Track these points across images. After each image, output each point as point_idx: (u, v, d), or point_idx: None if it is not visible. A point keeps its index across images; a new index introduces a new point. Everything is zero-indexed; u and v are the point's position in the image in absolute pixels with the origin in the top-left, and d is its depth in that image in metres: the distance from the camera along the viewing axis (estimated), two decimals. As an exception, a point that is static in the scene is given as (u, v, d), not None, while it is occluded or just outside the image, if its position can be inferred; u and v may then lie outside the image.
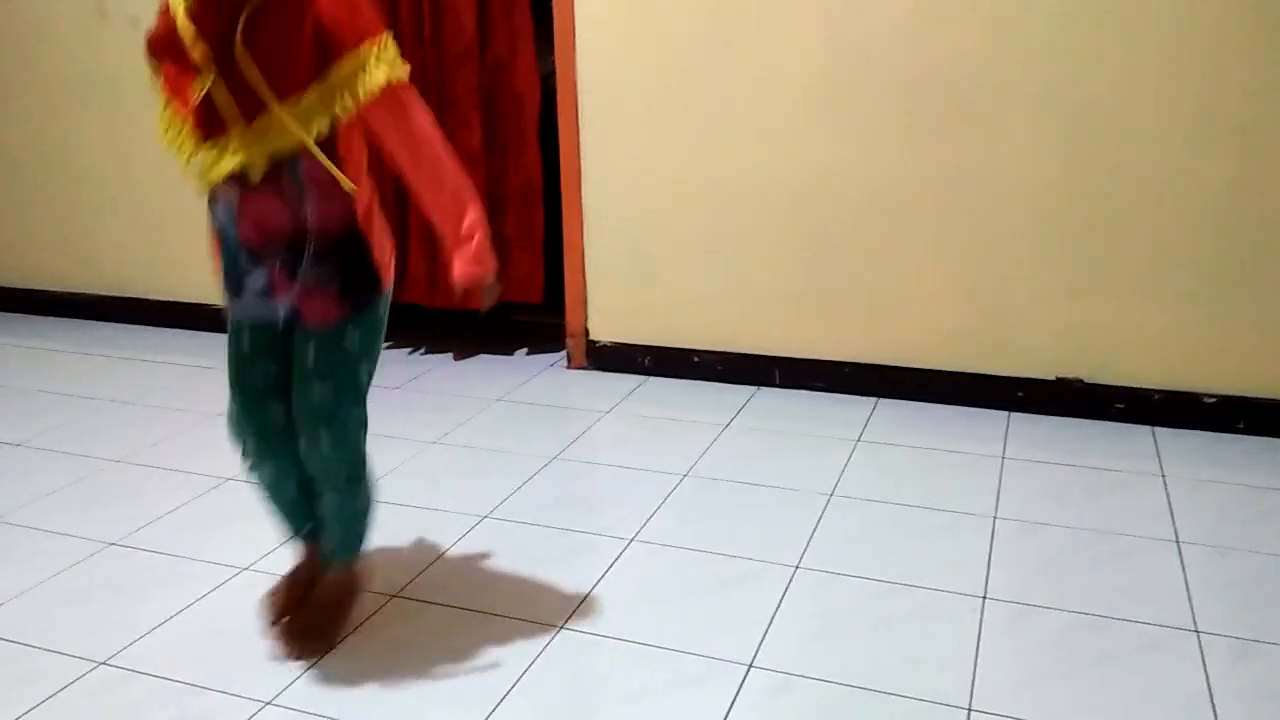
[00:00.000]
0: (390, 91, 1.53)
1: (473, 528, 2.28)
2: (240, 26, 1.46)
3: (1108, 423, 2.76)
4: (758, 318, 3.09)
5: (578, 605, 1.95)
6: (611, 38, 3.03)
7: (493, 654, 1.81)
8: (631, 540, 2.20)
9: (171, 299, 3.88)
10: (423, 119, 1.61)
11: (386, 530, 2.27)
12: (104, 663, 1.80)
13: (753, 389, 3.11)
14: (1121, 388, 2.75)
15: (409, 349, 3.59)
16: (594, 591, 2.00)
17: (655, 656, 1.79)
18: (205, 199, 1.65)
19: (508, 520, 2.31)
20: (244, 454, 1.78)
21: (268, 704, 1.69)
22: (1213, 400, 2.68)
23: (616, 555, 2.14)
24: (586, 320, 3.31)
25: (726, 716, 1.64)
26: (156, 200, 3.74)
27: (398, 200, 3.36)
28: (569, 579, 2.05)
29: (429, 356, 3.51)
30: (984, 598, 1.94)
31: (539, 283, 3.36)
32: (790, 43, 2.83)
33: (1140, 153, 2.60)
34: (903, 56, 2.73)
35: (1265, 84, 2.47)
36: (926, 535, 2.19)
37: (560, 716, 1.66)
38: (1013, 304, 2.80)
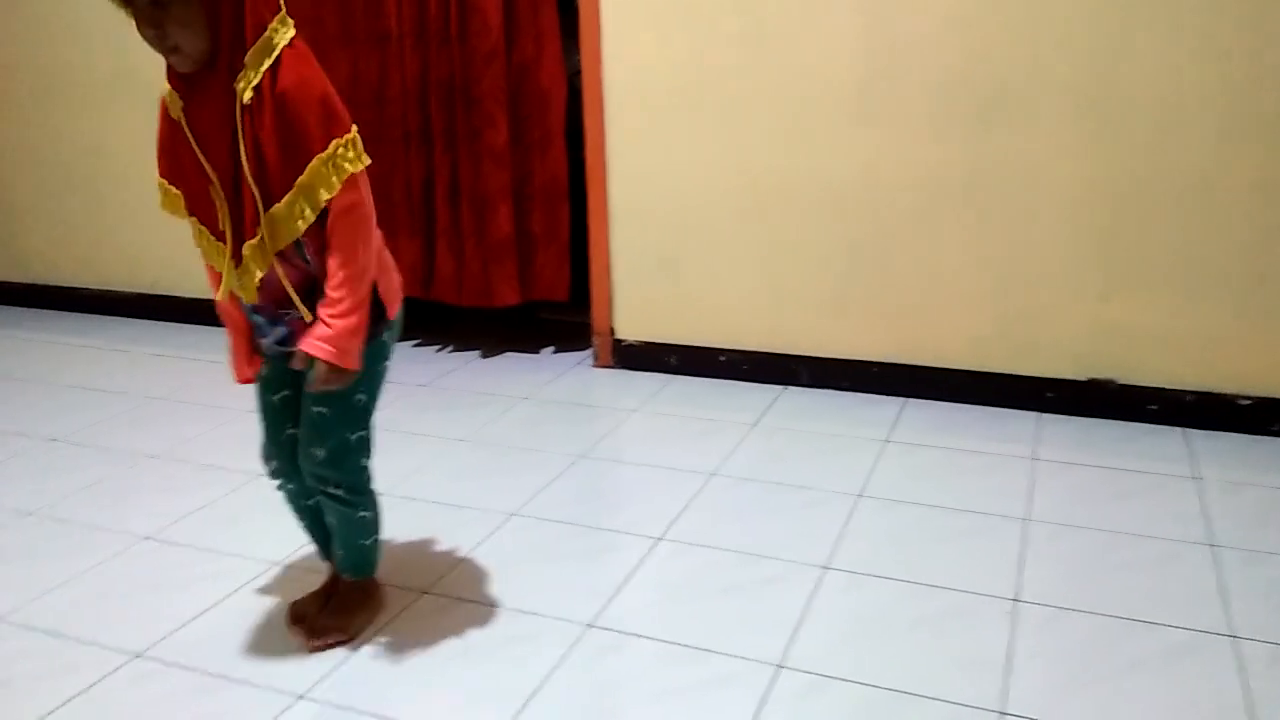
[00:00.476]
0: (342, 199, 1.57)
1: (501, 525, 2.28)
2: (243, 142, 1.51)
3: (1140, 424, 2.73)
4: (785, 317, 3.08)
5: (606, 604, 1.96)
6: (638, 35, 3.03)
7: (520, 651, 1.81)
8: (659, 539, 2.20)
9: (208, 296, 3.91)
10: (360, 230, 1.62)
11: (415, 527, 2.28)
12: (139, 655, 1.83)
13: (779, 388, 3.10)
14: (1154, 389, 2.72)
15: (436, 346, 3.60)
16: (622, 590, 2.01)
17: (684, 656, 1.79)
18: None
19: (535, 518, 2.32)
20: (270, 474, 1.87)
21: (300, 698, 1.70)
22: (1247, 402, 2.64)
23: (644, 554, 2.14)
24: (613, 319, 3.31)
25: (756, 717, 1.63)
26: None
27: (425, 200, 3.38)
28: (596, 577, 2.06)
29: (456, 354, 3.53)
30: (1015, 600, 1.92)
31: (565, 281, 3.37)
32: (822, 39, 2.82)
33: (1175, 150, 2.56)
34: (935, 54, 2.72)
35: (1304, 81, 2.43)
36: (957, 537, 2.17)
37: (588, 715, 1.66)
38: (1044, 303, 2.78)
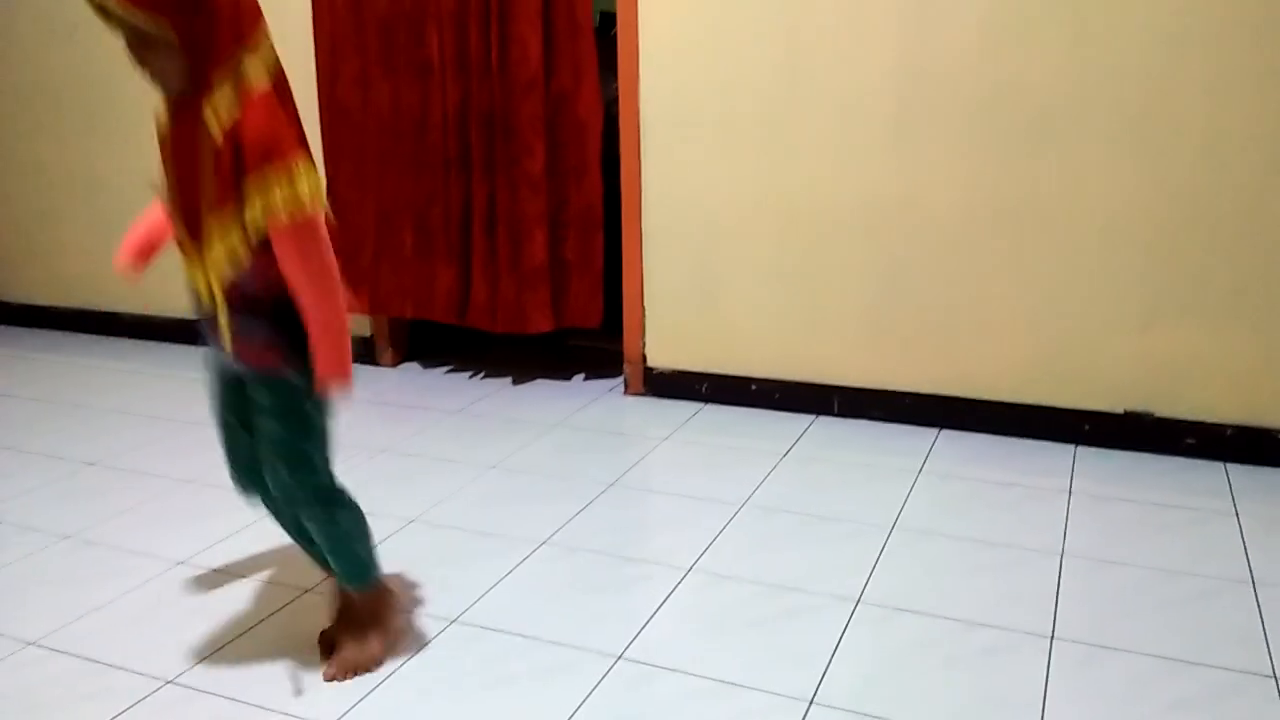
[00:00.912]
0: (289, 223, 1.60)
1: (531, 553, 2.29)
2: (207, 154, 1.60)
3: (1178, 458, 2.69)
4: (817, 346, 3.07)
5: (636, 635, 1.95)
6: (675, 64, 3.05)
7: (551, 682, 1.81)
8: (690, 569, 2.19)
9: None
10: (309, 257, 1.65)
11: (446, 554, 2.29)
12: (171, 681, 1.84)
13: (811, 417, 3.08)
14: (1193, 422, 2.68)
15: (469, 373, 3.63)
16: (652, 621, 2.00)
17: (715, 690, 1.78)
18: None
19: (566, 546, 2.32)
20: (241, 493, 1.89)
21: (330, 726, 1.71)
22: (1290, 436, 2.60)
23: (675, 584, 2.13)
24: (644, 346, 3.32)
25: (786, 753, 1.61)
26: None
27: (463, 228, 3.41)
28: (627, 607, 2.05)
29: (488, 380, 3.55)
30: (1052, 637, 1.89)
31: (598, 308, 3.38)
32: (857, 66, 2.83)
33: (1220, 176, 2.54)
34: (974, 79, 2.71)
35: (1346, 112, 2.40)
36: (992, 571, 2.15)
37: (619, 748, 1.65)
38: (1082, 334, 2.75)
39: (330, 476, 1.84)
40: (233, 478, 1.88)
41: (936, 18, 2.72)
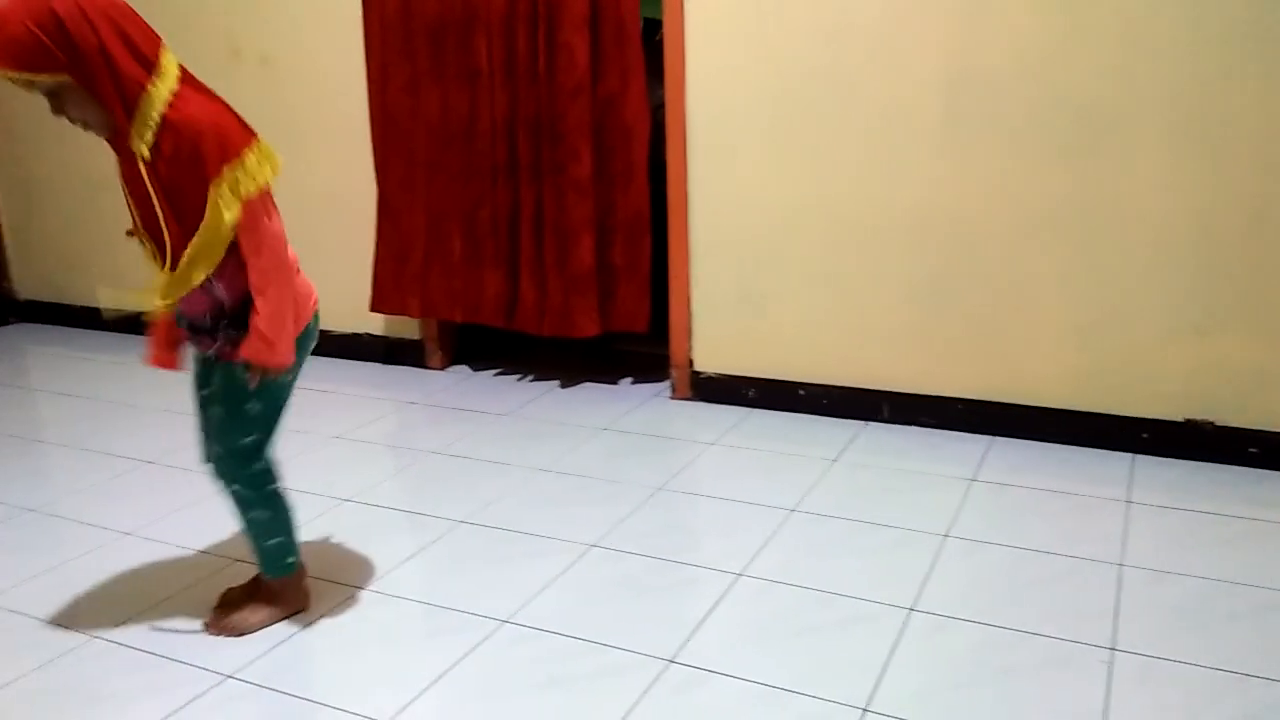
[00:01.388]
0: (242, 219, 1.74)
1: (580, 556, 2.29)
2: (154, 194, 1.72)
3: (1241, 468, 2.62)
4: (867, 350, 3.04)
5: (687, 639, 1.94)
6: (721, 69, 3.05)
7: (603, 685, 1.81)
8: (740, 575, 2.18)
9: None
10: (262, 241, 1.78)
11: (497, 555, 2.30)
12: (230, 676, 1.87)
13: (860, 424, 3.06)
14: (1255, 431, 2.62)
15: (516, 376, 3.65)
16: (703, 626, 1.99)
17: (766, 696, 1.77)
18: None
19: (615, 550, 2.32)
20: (201, 460, 2.03)
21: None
22: (1358, 447, 2.53)
23: (725, 590, 2.12)
24: (691, 351, 3.31)
25: (841, 762, 1.60)
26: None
27: (511, 233, 3.43)
28: (677, 611, 2.04)
29: (536, 384, 3.56)
30: (1113, 649, 1.86)
31: (645, 313, 3.38)
32: (905, 71, 2.80)
33: (1276, 180, 2.48)
34: (1022, 84, 2.68)
35: None
36: (1049, 581, 2.11)
37: (671, 753, 1.64)
38: (1139, 340, 2.70)
39: (262, 465, 1.97)
40: (200, 450, 2.02)
41: (984, 23, 2.69)
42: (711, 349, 3.29)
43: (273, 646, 1.96)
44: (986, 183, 2.78)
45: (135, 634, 2.02)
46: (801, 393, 3.16)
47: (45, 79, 1.63)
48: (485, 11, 3.29)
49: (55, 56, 1.60)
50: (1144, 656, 1.83)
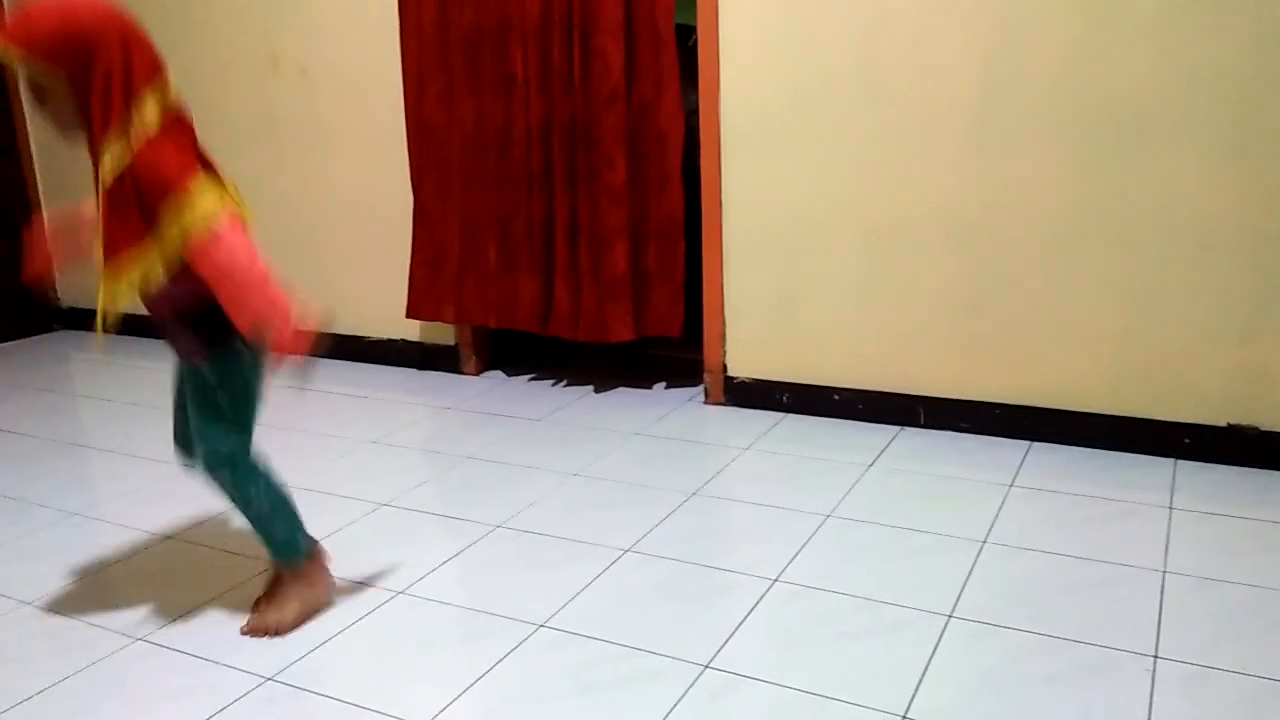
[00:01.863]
0: (199, 244, 1.75)
1: (615, 561, 2.29)
2: (102, 200, 1.77)
3: (1286, 474, 2.58)
4: (902, 355, 3.02)
5: (722, 645, 1.94)
6: (755, 73, 3.05)
7: (639, 690, 1.81)
8: (775, 580, 2.17)
9: (349, 333, 4.08)
10: (228, 269, 1.78)
11: (531, 559, 2.31)
12: (270, 679, 1.89)
13: (896, 429, 3.04)
14: (1302, 436, 2.57)
15: (550, 381, 3.66)
16: (739, 631, 1.98)
17: (802, 702, 1.76)
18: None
19: (649, 555, 2.32)
20: (178, 457, 2.11)
21: (422, 728, 1.74)
22: None
23: (760, 595, 2.12)
24: (725, 355, 3.31)
25: (880, 768, 1.59)
26: (323, 236, 3.96)
27: (545, 239, 3.45)
28: (713, 617, 2.04)
29: (569, 389, 3.58)
30: (1156, 657, 1.83)
31: (679, 317, 3.38)
32: (940, 73, 2.79)
33: (1324, 186, 2.44)
34: (1063, 86, 2.65)
35: None
36: (1090, 588, 2.08)
37: (708, 758, 1.64)
38: (1180, 344, 2.66)
39: (243, 467, 1.99)
40: (175, 447, 2.10)
41: (1020, 25, 2.67)
42: (745, 353, 3.28)
43: (312, 649, 1.99)
44: (1022, 184, 2.75)
45: (178, 636, 2.06)
46: (836, 397, 3.15)
47: (43, 72, 1.70)
48: (520, 20, 3.32)
49: (63, 55, 1.68)
50: (1187, 664, 1.80)
